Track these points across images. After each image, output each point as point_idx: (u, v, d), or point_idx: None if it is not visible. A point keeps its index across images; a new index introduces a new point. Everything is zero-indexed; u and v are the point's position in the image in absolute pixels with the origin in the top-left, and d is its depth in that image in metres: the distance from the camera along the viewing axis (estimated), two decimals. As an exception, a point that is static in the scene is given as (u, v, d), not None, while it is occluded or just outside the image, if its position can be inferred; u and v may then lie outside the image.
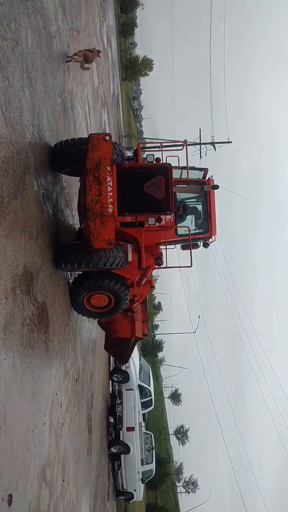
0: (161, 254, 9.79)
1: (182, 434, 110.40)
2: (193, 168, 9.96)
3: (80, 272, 9.67)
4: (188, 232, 9.47)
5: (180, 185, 9.79)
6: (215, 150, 41.13)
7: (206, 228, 9.84)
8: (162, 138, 46.44)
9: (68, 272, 10.10)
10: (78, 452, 10.60)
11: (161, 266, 9.65)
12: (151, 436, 21.75)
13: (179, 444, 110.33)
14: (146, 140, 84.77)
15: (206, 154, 41.53)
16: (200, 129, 40.01)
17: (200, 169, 10.05)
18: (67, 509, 8.73)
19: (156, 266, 9.75)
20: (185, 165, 9.64)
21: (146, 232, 8.81)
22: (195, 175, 10.07)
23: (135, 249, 8.97)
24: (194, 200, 10.02)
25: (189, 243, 9.50)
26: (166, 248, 10.00)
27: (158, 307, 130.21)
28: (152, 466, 21.18)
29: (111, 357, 21.05)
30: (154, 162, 8.56)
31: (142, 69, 70.79)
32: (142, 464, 19.97)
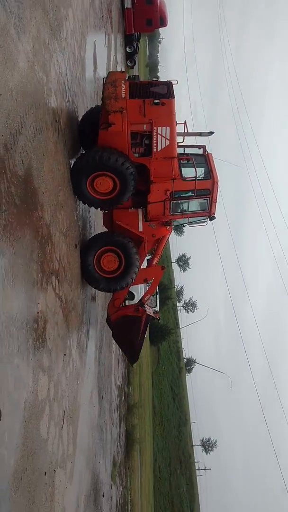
0: (170, 222, 11.50)
1: (183, 262, 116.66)
2: (192, 146, 11.68)
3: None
4: (194, 179, 10.63)
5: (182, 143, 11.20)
6: None
7: (209, 176, 11.06)
8: None
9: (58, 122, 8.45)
10: (79, 316, 10.27)
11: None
12: (154, 281, 22.04)
13: (181, 270, 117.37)
14: None
15: None
16: None
17: (199, 147, 11.69)
18: (69, 379, 8.63)
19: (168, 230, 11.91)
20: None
21: (155, 185, 10.40)
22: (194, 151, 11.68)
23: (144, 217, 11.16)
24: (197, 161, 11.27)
25: (194, 176, 10.64)
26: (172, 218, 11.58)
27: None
28: (156, 310, 21.92)
29: None
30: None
31: None
32: (145, 308, 20.55)
